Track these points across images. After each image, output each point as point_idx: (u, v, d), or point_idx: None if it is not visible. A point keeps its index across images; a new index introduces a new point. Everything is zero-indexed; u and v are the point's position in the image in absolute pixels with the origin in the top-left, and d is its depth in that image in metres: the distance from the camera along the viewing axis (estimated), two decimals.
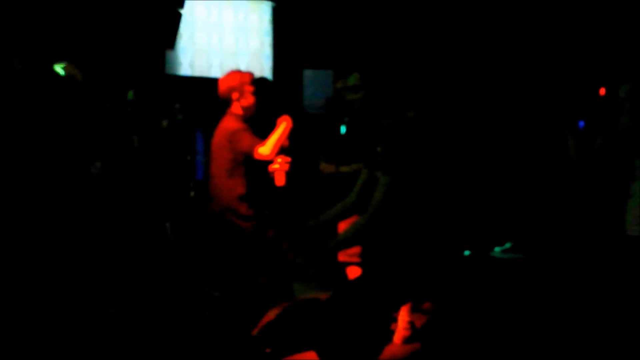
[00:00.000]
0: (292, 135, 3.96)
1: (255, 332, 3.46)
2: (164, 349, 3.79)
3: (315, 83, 9.46)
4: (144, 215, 4.77)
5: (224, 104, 4.04)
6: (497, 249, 5.82)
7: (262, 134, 3.87)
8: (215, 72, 7.64)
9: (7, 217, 2.87)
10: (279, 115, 3.99)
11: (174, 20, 6.59)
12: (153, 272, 4.69)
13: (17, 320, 2.96)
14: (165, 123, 5.55)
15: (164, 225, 5.18)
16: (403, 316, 3.75)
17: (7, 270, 2.96)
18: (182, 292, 4.64)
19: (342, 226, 3.74)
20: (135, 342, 3.87)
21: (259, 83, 4.12)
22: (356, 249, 3.93)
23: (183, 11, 6.80)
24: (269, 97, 4.47)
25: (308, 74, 9.56)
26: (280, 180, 3.90)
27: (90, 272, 3.79)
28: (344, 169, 4.21)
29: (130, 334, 3.96)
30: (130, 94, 5.05)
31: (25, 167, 2.86)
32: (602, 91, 4.17)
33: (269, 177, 3.92)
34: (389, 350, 3.56)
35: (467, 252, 4.61)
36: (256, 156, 3.77)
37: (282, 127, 3.88)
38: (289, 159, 3.91)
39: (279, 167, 3.89)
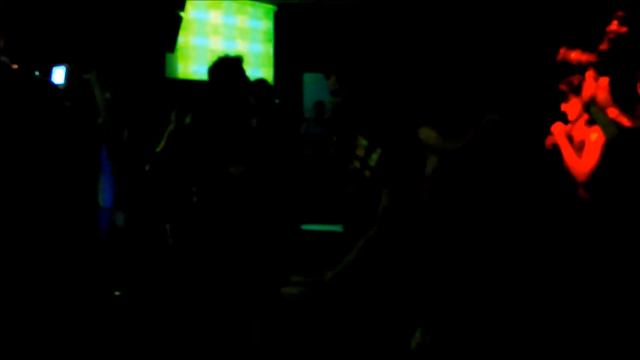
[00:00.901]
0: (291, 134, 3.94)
1: None
2: (164, 349, 3.78)
3: (310, 86, 9.50)
4: (143, 216, 4.75)
5: (223, 107, 4.00)
6: None
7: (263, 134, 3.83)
8: None
9: (7, 217, 2.85)
10: (279, 116, 3.95)
11: (174, 23, 6.58)
12: (152, 274, 4.67)
13: (16, 320, 2.93)
14: (171, 127, 5.52)
15: (164, 226, 5.15)
16: None
17: (7, 270, 2.94)
18: (181, 293, 4.62)
19: None
20: (134, 344, 3.85)
21: (257, 85, 4.08)
22: None
23: (184, 14, 6.78)
24: (270, 99, 4.43)
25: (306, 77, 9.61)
26: None
27: (90, 274, 3.77)
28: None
29: (130, 336, 3.95)
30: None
31: (24, 167, 2.83)
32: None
33: None
34: None
35: None
36: None
37: None
38: None
39: None
